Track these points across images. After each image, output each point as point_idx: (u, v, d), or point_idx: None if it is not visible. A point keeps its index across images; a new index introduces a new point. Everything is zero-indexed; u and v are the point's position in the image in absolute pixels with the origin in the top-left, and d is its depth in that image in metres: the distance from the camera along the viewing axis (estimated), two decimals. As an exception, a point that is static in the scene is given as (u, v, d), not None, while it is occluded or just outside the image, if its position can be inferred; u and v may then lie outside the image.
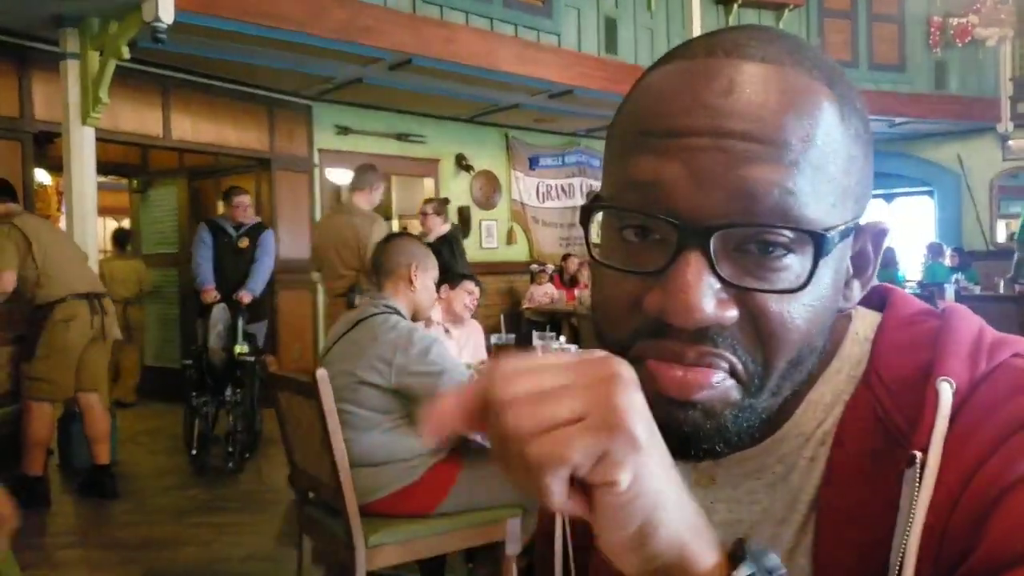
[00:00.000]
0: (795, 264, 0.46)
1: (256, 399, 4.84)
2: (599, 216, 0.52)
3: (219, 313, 4.78)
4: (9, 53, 4.76)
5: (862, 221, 0.51)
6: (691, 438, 0.48)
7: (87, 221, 4.52)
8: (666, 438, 0.45)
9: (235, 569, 3.14)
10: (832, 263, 0.48)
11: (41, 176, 6.88)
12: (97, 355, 4.05)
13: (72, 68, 4.47)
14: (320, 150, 6.88)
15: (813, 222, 0.45)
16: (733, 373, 0.47)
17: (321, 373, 2.07)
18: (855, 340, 0.55)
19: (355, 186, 4.59)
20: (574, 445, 0.36)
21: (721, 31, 0.51)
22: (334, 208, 5.56)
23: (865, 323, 0.56)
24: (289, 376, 2.32)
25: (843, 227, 0.47)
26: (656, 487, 0.39)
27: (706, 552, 0.41)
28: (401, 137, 7.43)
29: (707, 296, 0.44)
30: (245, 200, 5.27)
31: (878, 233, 0.53)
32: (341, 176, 8.25)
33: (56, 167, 5.46)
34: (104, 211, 8.59)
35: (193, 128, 5.91)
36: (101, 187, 4.84)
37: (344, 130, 7.01)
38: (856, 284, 0.53)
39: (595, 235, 0.54)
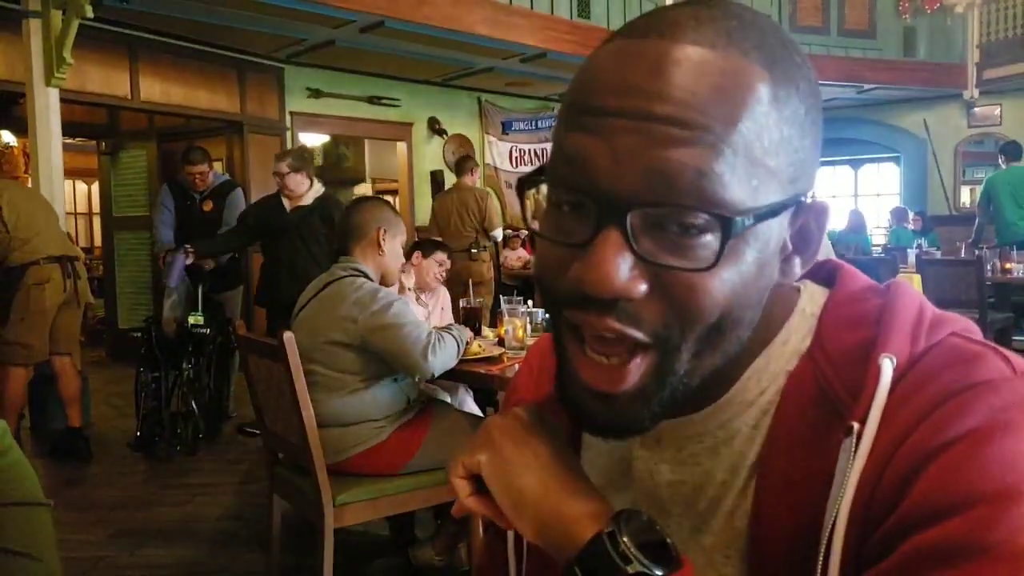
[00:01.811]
0: (712, 242, 0.47)
1: (217, 374, 4.53)
2: (543, 186, 0.54)
3: (174, 280, 4.36)
4: (-33, 11, 4.65)
5: (807, 199, 0.52)
6: (617, 424, 0.52)
7: (54, 183, 4.47)
8: (592, 425, 0.54)
9: (209, 528, 3.20)
10: (756, 241, 0.49)
11: (7, 137, 6.76)
12: (70, 318, 4.05)
13: (35, 27, 4.38)
14: (292, 113, 6.82)
15: (731, 204, 0.47)
16: (653, 340, 0.50)
17: (288, 336, 2.12)
18: (802, 315, 0.57)
19: (460, 172, 6.05)
20: (457, 456, 0.59)
21: (663, 9, 0.52)
22: (448, 189, 6.42)
23: (813, 299, 0.58)
24: (256, 339, 2.36)
25: (767, 207, 0.49)
26: (509, 462, 0.55)
27: (581, 511, 0.52)
28: (373, 100, 7.38)
29: (620, 270, 0.47)
30: (199, 169, 4.75)
31: (820, 212, 0.54)
32: (313, 139, 8.20)
33: (22, 128, 5.37)
34: (72, 173, 8.47)
35: (162, 90, 5.83)
36: (69, 149, 4.78)
37: (316, 93, 6.94)
38: (797, 260, 0.54)
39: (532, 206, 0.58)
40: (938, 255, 6.56)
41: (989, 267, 5.42)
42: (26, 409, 4.47)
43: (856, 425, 0.49)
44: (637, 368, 0.51)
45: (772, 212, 0.49)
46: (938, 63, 9.28)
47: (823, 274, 0.61)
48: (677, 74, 0.47)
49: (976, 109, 9.44)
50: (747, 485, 0.55)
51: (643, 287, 0.48)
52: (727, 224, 0.47)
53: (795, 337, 0.57)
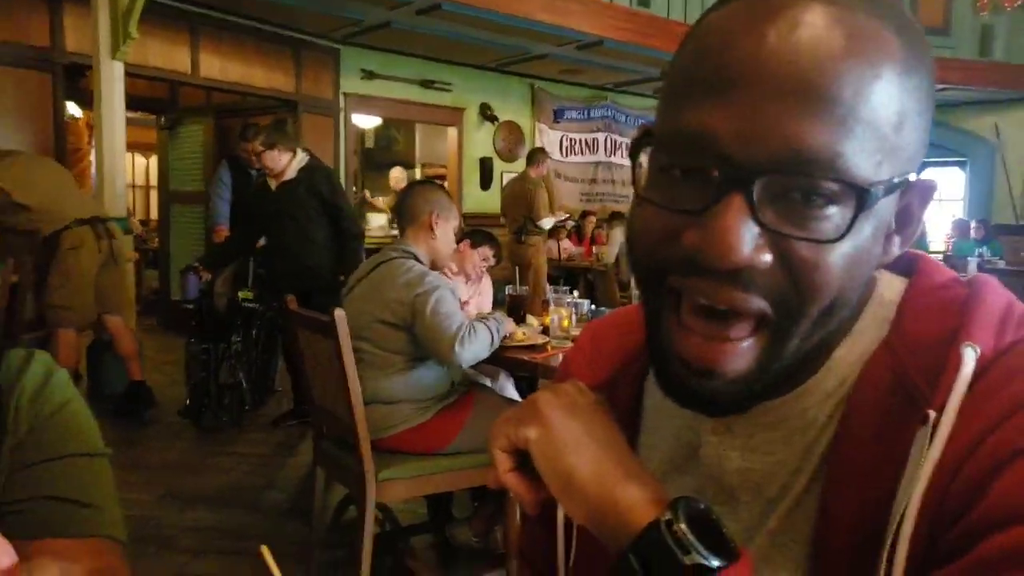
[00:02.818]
0: (836, 215, 0.46)
1: (264, 349, 4.61)
2: (648, 150, 0.53)
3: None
4: (42, -17, 4.79)
5: (912, 177, 0.51)
6: (710, 403, 0.52)
7: (116, 155, 4.59)
8: (688, 400, 0.53)
9: (254, 497, 3.28)
10: (874, 217, 0.48)
11: (73, 109, 6.95)
12: (112, 278, 4.11)
13: (103, 1, 4.50)
14: (345, 94, 6.89)
15: (857, 177, 0.46)
16: (762, 320, 0.49)
17: (339, 313, 2.15)
18: (880, 302, 0.56)
19: (529, 162, 6.46)
20: (501, 427, 0.56)
21: None
22: (516, 177, 6.87)
23: (891, 286, 0.57)
24: (308, 314, 2.40)
25: (888, 183, 0.47)
26: (560, 440, 0.52)
27: (637, 497, 0.49)
28: (426, 84, 7.40)
29: (744, 239, 0.46)
30: (252, 147, 4.63)
31: (925, 190, 0.52)
32: (366, 121, 8.27)
33: (87, 100, 5.52)
34: (133, 147, 8.67)
35: (221, 66, 5.94)
36: (130, 123, 4.89)
37: (370, 75, 7.00)
38: (897, 239, 0.53)
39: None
40: (1001, 265, 6.35)
41: (1054, 278, 5.24)
42: (84, 373, 4.63)
43: (933, 414, 0.47)
44: (744, 351, 0.50)
45: (893, 187, 0.48)
46: (1015, 64, 8.93)
47: (900, 263, 0.58)
48: (809, 37, 0.45)
49: (1052, 114, 9.08)
50: (818, 471, 0.53)
51: (768, 257, 0.47)
52: (862, 195, 0.46)
53: (873, 325, 0.55)
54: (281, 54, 6.35)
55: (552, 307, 2.68)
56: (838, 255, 0.47)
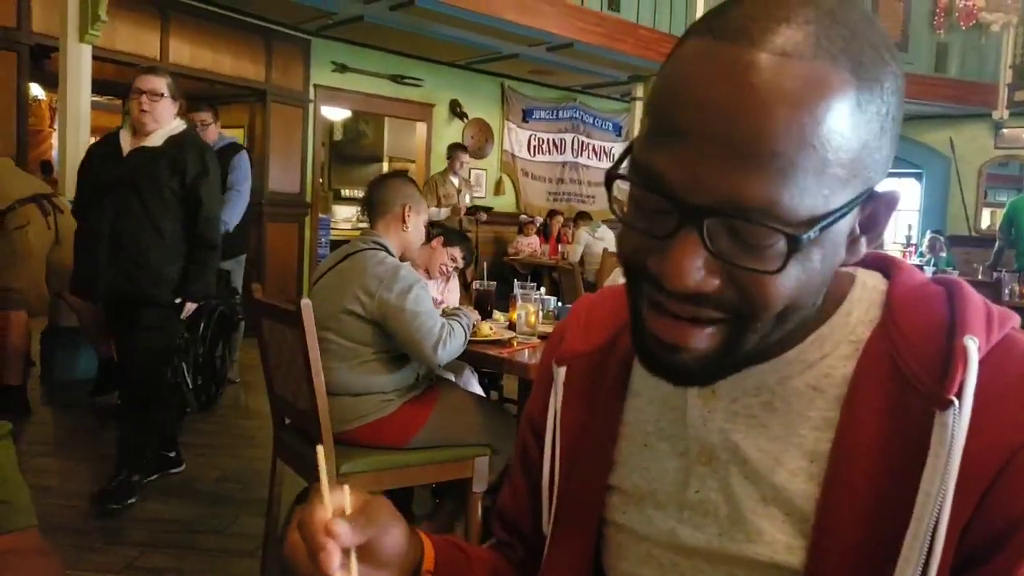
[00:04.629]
0: (777, 249, 0.50)
1: (215, 343, 4.34)
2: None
3: None
4: (5, -38, 4.69)
5: (879, 188, 0.54)
6: (681, 374, 0.56)
7: (80, 139, 4.50)
8: (659, 370, 0.57)
9: (208, 489, 3.24)
10: (825, 240, 0.52)
11: (37, 91, 6.80)
12: (62, 257, 3.92)
13: (71, -17, 4.41)
14: (316, 86, 6.84)
15: (798, 219, 0.49)
16: (719, 324, 0.54)
17: (305, 302, 2.14)
18: (864, 287, 0.61)
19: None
20: None
21: (754, 2, 0.51)
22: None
23: (872, 277, 0.62)
24: (274, 304, 2.39)
25: (837, 211, 0.50)
26: None
27: None
28: (397, 79, 7.39)
29: (695, 269, 0.51)
30: (200, 116, 4.42)
31: (890, 201, 0.56)
32: (335, 113, 8.22)
33: (51, 82, 5.40)
34: (97, 131, 8.47)
35: (190, 53, 5.87)
36: (95, 106, 4.80)
37: (341, 67, 6.96)
38: (864, 240, 0.56)
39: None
40: (955, 275, 6.53)
41: (1007, 291, 5.42)
42: (37, 359, 4.53)
43: (955, 401, 0.52)
44: (707, 335, 0.54)
45: (842, 214, 0.51)
46: (969, 81, 9.21)
47: (870, 261, 0.63)
48: (759, 91, 0.47)
49: (1005, 130, 9.37)
50: (814, 448, 0.57)
51: (715, 282, 0.52)
52: (792, 240, 0.49)
53: (859, 308, 0.60)
54: (252, 43, 6.28)
55: (519, 303, 2.70)
56: (785, 278, 0.51)
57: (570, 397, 0.73)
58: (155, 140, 2.99)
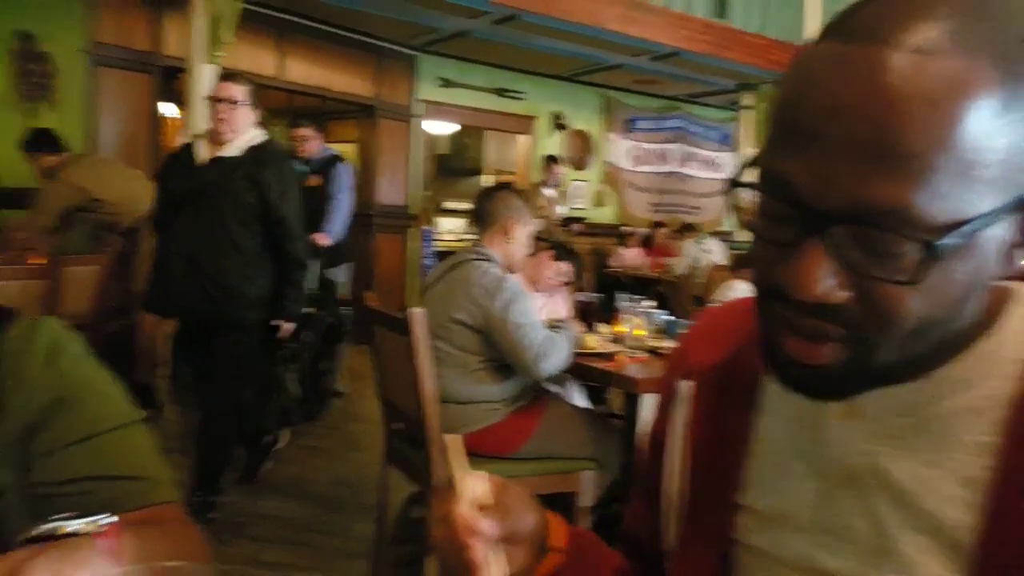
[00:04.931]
0: (913, 257, 0.47)
1: (320, 355, 4.31)
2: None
3: None
4: (145, -10, 5.06)
5: None
6: (815, 389, 0.55)
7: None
8: (797, 388, 0.55)
9: (321, 491, 3.36)
10: (969, 251, 0.48)
11: (167, 109, 7.27)
12: None
13: (200, 7, 4.70)
14: (422, 100, 7.02)
15: (936, 226, 0.46)
16: (847, 341, 0.51)
17: (417, 311, 2.19)
18: (1021, 318, 0.56)
19: None
20: None
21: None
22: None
23: None
24: (386, 312, 2.46)
25: (981, 219, 0.47)
26: None
27: None
28: (500, 92, 7.49)
29: (821, 279, 0.49)
30: (302, 132, 4.60)
31: None
32: (440, 127, 8.41)
33: (180, 101, 5.76)
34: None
35: (305, 71, 6.14)
36: (217, 123, 5.07)
37: (446, 82, 7.12)
38: (1021, 252, 0.52)
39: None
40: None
41: None
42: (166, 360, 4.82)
43: None
44: (836, 351, 0.52)
45: (988, 222, 0.48)
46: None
47: None
48: (891, 93, 0.45)
49: None
50: (969, 474, 0.54)
51: (843, 294, 0.50)
52: (929, 248, 0.47)
53: (1020, 325, 0.56)
54: (362, 60, 6.52)
55: (625, 316, 2.67)
56: (921, 292, 0.48)
57: (696, 413, 0.72)
58: (233, 150, 2.84)
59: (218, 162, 2.83)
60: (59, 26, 4.83)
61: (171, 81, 5.62)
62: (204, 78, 4.73)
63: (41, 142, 4.09)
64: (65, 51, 4.90)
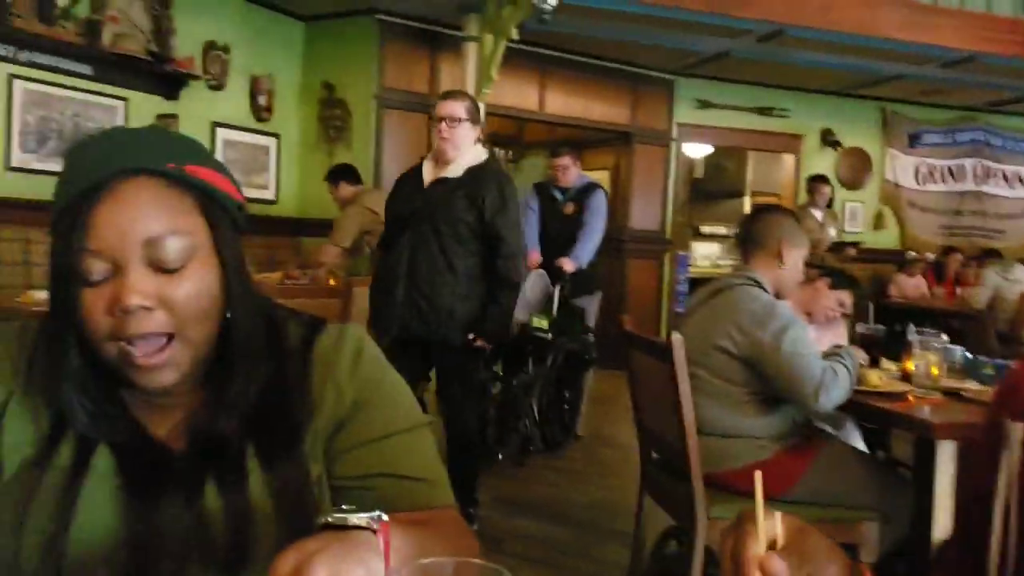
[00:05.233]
0: None
1: (563, 385, 4.19)
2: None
3: (529, 281, 4.12)
4: (424, 38, 5.57)
5: None
6: None
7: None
8: None
9: (575, 514, 3.37)
10: None
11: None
12: None
13: (471, 50, 5.07)
14: (679, 124, 6.93)
15: None
16: None
17: (676, 338, 2.11)
18: None
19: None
20: None
21: None
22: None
23: None
24: (644, 337, 2.40)
25: None
26: None
27: None
28: (763, 111, 7.17)
29: None
30: (562, 161, 4.55)
31: None
32: (697, 150, 8.26)
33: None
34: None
35: (564, 103, 6.35)
36: (483, 158, 5.40)
37: (704, 104, 6.97)
38: None
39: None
40: None
41: None
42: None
43: None
44: None
45: None
46: None
47: None
48: None
49: None
50: None
51: None
52: None
53: None
54: (619, 88, 6.61)
55: (917, 351, 2.36)
56: None
57: None
58: (455, 170, 2.85)
59: (440, 183, 2.86)
60: (355, 76, 5.49)
61: (445, 119, 6.11)
62: (474, 114, 5.08)
63: (343, 174, 4.63)
64: (359, 97, 5.54)
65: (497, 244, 2.84)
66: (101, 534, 0.74)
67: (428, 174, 2.90)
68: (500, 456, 3.87)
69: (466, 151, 2.85)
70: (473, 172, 2.84)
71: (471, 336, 2.88)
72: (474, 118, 2.88)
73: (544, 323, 4.01)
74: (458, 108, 2.84)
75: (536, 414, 4.08)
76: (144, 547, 0.74)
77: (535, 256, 4.44)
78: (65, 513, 0.73)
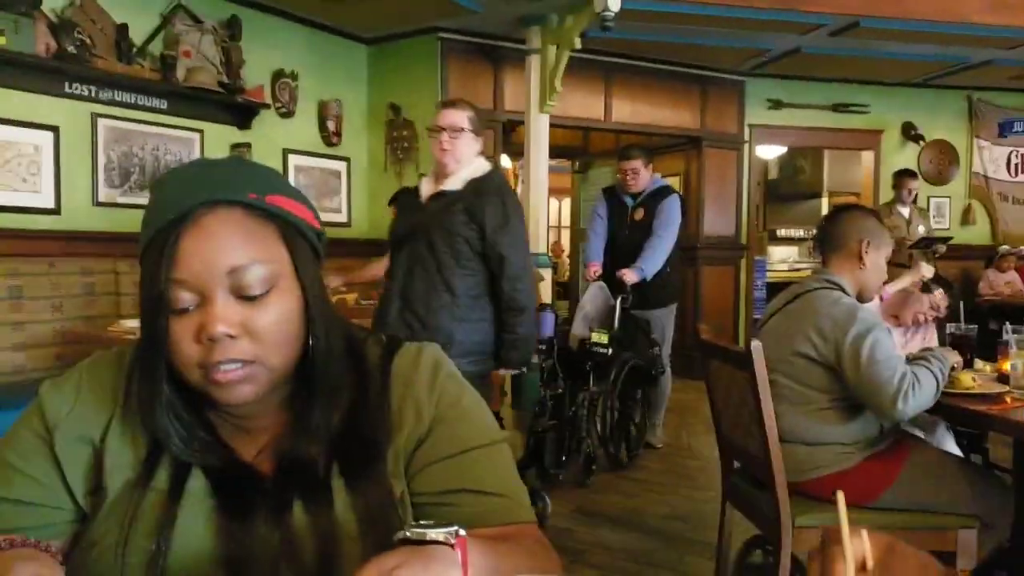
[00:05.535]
0: None
1: (626, 399, 4.07)
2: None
3: (589, 293, 4.12)
4: (486, 54, 5.61)
5: None
6: None
7: (540, 199, 5.13)
8: None
9: (657, 525, 3.32)
10: None
11: (504, 160, 8.02)
12: None
13: (534, 62, 5.08)
14: (750, 125, 6.78)
15: None
16: None
17: (756, 345, 2.05)
18: None
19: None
20: None
21: None
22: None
23: None
24: (722, 345, 2.35)
25: None
26: None
27: None
28: (838, 108, 6.94)
29: None
30: (631, 165, 4.32)
31: None
32: (770, 151, 8.06)
33: (515, 152, 6.29)
34: (551, 191, 9.65)
35: (631, 110, 6.29)
36: (550, 169, 5.41)
37: (776, 104, 6.80)
38: None
39: None
40: None
41: None
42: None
43: None
44: None
45: None
46: None
47: None
48: None
49: None
50: None
51: None
52: None
53: None
54: (687, 92, 6.50)
55: (1014, 351, 2.23)
56: None
57: None
58: (455, 183, 2.63)
59: (438, 197, 2.65)
60: (419, 96, 5.55)
61: (508, 134, 6.16)
62: (539, 128, 5.10)
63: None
64: (424, 117, 5.61)
65: (500, 264, 2.60)
66: (198, 553, 0.77)
67: (427, 189, 2.72)
68: (560, 477, 3.76)
69: (467, 163, 2.65)
70: (474, 185, 2.62)
71: (497, 372, 2.70)
72: (476, 128, 2.68)
73: (604, 338, 3.84)
74: (460, 118, 2.64)
75: (599, 431, 3.99)
76: (238, 565, 0.77)
77: (594, 267, 4.31)
78: (165, 533, 0.76)
